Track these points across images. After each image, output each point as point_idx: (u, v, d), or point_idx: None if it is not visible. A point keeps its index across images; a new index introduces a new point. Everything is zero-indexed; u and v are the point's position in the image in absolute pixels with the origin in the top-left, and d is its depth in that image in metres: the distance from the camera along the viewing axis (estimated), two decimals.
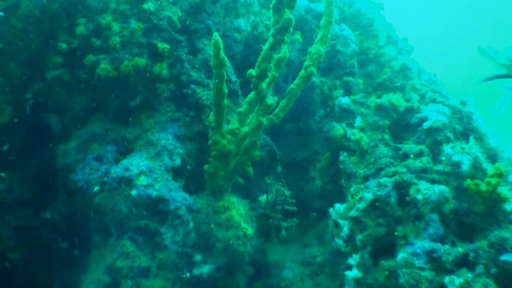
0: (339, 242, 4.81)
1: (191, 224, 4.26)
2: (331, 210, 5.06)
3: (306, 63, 4.61)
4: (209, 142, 4.38)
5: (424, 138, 5.23)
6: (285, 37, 4.10)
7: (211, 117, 4.37)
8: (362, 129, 5.50)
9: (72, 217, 4.65)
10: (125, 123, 4.84)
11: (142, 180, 4.21)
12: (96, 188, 4.33)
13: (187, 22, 5.04)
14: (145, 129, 4.71)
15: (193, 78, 4.81)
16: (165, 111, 4.75)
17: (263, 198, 4.78)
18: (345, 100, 5.74)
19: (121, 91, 4.75)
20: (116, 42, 4.62)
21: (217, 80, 4.06)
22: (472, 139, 5.10)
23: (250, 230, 4.33)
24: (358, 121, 5.58)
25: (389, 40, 6.47)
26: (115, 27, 4.68)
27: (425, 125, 5.25)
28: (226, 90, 4.15)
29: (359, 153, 5.33)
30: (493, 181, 4.17)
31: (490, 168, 4.57)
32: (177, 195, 4.27)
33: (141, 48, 4.69)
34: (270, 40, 4.16)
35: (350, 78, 5.98)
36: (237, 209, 4.38)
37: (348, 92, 5.99)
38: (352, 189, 5.07)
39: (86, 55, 4.62)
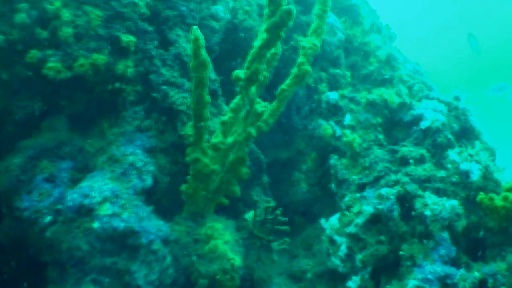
0: (336, 262, 3.88)
1: (169, 258, 3.18)
2: (323, 222, 4.16)
3: (300, 59, 3.56)
4: (188, 159, 3.28)
5: (422, 139, 4.37)
6: (282, 32, 3.08)
7: (190, 129, 3.28)
8: (352, 128, 4.58)
9: (22, 243, 3.54)
10: (83, 132, 3.63)
11: (106, 209, 3.08)
12: (48, 219, 3.13)
13: (157, 8, 3.94)
14: (108, 141, 3.53)
15: (164, 77, 3.67)
16: (132, 119, 3.57)
17: (249, 215, 3.81)
18: (333, 96, 4.74)
19: (77, 94, 3.55)
20: (68, 34, 3.39)
21: (197, 87, 2.98)
22: (478, 144, 4.28)
23: (238, 260, 3.30)
24: (348, 119, 4.64)
25: (373, 28, 5.49)
26: (66, 15, 3.44)
27: (423, 125, 4.40)
28: (208, 99, 3.08)
29: (351, 155, 4.40)
30: (511, 196, 3.45)
31: (504, 180, 3.85)
32: (150, 225, 3.17)
33: (100, 42, 3.50)
34: (264, 36, 3.06)
35: (337, 70, 4.98)
36: (223, 236, 3.38)
37: (335, 85, 5.00)
38: (346, 199, 4.16)
39: (29, 50, 3.37)
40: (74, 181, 3.36)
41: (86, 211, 3.11)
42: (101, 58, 3.45)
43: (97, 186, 3.18)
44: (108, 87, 3.57)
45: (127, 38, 3.57)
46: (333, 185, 4.47)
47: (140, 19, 3.73)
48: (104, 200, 3.12)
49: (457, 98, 4.73)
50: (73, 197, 3.14)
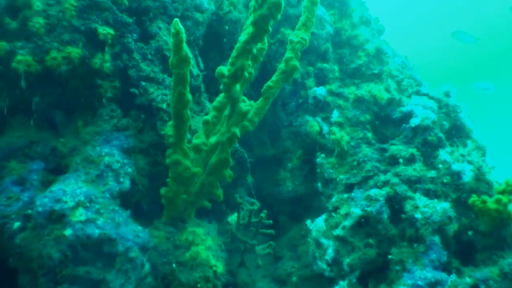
0: (323, 266, 3.64)
1: (147, 266, 2.90)
2: (309, 223, 3.91)
3: (288, 54, 3.27)
4: (167, 161, 2.99)
5: (412, 137, 4.12)
6: (269, 26, 2.79)
7: (170, 130, 2.97)
8: (340, 125, 4.31)
9: None
10: (56, 131, 3.30)
11: (80, 215, 2.77)
12: (17, 225, 2.80)
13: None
14: (83, 140, 3.18)
15: (144, 72, 3.33)
16: (109, 117, 3.23)
17: (233, 218, 3.54)
18: (320, 91, 4.46)
19: (50, 90, 3.19)
20: (40, 25, 3.05)
21: (178, 84, 2.68)
22: (470, 143, 4.04)
23: (221, 267, 3.03)
24: (335, 116, 4.37)
25: (362, 21, 5.20)
26: (37, 4, 3.09)
27: (413, 122, 4.14)
28: (190, 97, 2.78)
29: (338, 153, 4.14)
30: (504, 199, 3.23)
31: (494, 180, 3.63)
32: (127, 231, 2.87)
33: (75, 34, 3.15)
34: (250, 30, 2.75)
35: (325, 64, 4.67)
36: (204, 241, 3.10)
37: (322, 80, 4.72)
38: (333, 199, 3.90)
39: None
40: (46, 184, 3.04)
41: (57, 217, 2.80)
42: (75, 51, 3.11)
43: (70, 190, 2.88)
44: (84, 82, 3.23)
45: (104, 30, 3.23)
46: (319, 184, 4.22)
47: (118, 10, 3.39)
48: (77, 205, 2.82)
49: (447, 94, 4.48)
50: (43, 201, 2.83)
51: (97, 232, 2.80)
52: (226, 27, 4.12)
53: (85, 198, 2.87)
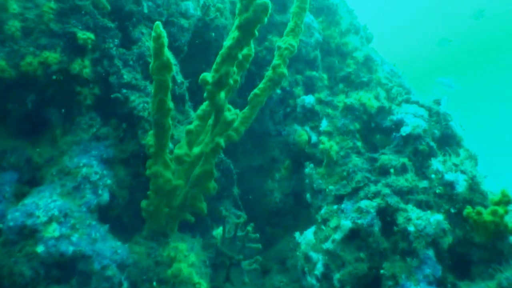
0: (312, 281, 3.41)
1: (125, 285, 2.63)
2: (298, 236, 3.69)
3: (275, 61, 3.06)
4: (148, 172, 2.75)
5: (403, 146, 3.93)
6: (256, 31, 2.58)
7: (150, 139, 2.76)
8: (329, 134, 4.10)
9: None
10: (32, 140, 3.04)
11: (53, 230, 2.54)
12: None
13: (120, 3, 3.36)
14: (60, 150, 2.95)
15: (125, 79, 3.10)
16: (87, 126, 3.00)
17: (218, 232, 3.31)
18: (309, 100, 4.25)
19: (26, 96, 2.95)
20: (16, 28, 2.82)
21: (159, 91, 2.46)
22: (463, 152, 3.85)
23: (204, 285, 2.76)
24: (324, 124, 4.16)
25: (351, 28, 5.02)
26: (14, 6, 2.87)
27: (403, 131, 3.94)
28: (171, 105, 2.55)
29: (327, 163, 3.93)
30: (501, 210, 3.02)
31: (491, 192, 3.44)
32: (104, 248, 2.63)
33: (53, 38, 2.93)
34: (235, 34, 2.54)
35: (314, 72, 4.48)
36: (187, 257, 2.86)
37: (311, 88, 4.51)
38: (323, 211, 3.69)
39: None
40: (19, 196, 2.80)
41: (29, 233, 2.57)
42: (52, 56, 2.89)
43: (43, 204, 2.64)
44: (62, 89, 3.00)
45: (85, 35, 3.01)
46: (308, 195, 4.00)
47: (100, 14, 3.17)
48: (50, 220, 2.59)
49: (437, 102, 4.31)
50: (14, 216, 2.59)
51: (71, 249, 2.56)
52: (213, 34, 3.91)
53: (59, 212, 2.63)
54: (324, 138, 3.97)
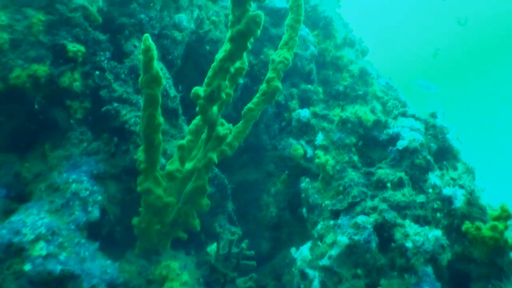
0: None
1: None
2: (293, 252, 3.59)
3: (269, 75, 2.98)
4: (139, 189, 2.65)
5: (399, 160, 3.84)
6: (248, 43, 2.50)
7: (141, 155, 2.65)
8: (325, 148, 4.01)
9: None
10: (21, 154, 2.94)
11: (40, 249, 2.43)
12: None
13: (112, 15, 3.30)
14: (49, 165, 2.85)
15: (117, 93, 3.02)
16: (78, 140, 2.90)
17: (212, 248, 3.21)
18: (304, 113, 4.17)
19: (15, 109, 2.88)
20: (4, 40, 2.74)
21: (148, 106, 2.37)
22: (460, 166, 3.77)
23: None
24: (320, 139, 4.07)
25: (346, 41, 4.97)
26: (2, 18, 2.79)
27: (400, 145, 3.85)
28: (161, 120, 2.47)
29: (323, 178, 3.83)
30: (500, 226, 2.93)
31: (490, 207, 3.36)
32: (93, 267, 2.52)
33: (42, 50, 2.85)
34: (228, 47, 2.46)
35: (309, 86, 4.40)
36: (180, 276, 2.76)
37: (306, 102, 4.44)
38: (319, 226, 3.59)
39: None
40: (7, 213, 2.68)
41: (16, 251, 2.46)
42: (41, 69, 2.80)
43: (30, 221, 2.53)
44: (51, 102, 2.91)
45: (75, 48, 2.92)
46: (304, 210, 3.90)
47: (91, 27, 3.08)
48: (38, 238, 2.47)
49: (433, 115, 4.23)
50: (1, 233, 2.48)
51: (59, 267, 2.45)
52: (207, 47, 3.84)
53: (46, 230, 2.52)
54: (320, 152, 3.88)
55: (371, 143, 4.15)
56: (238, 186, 4.18)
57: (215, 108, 2.61)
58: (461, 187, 3.39)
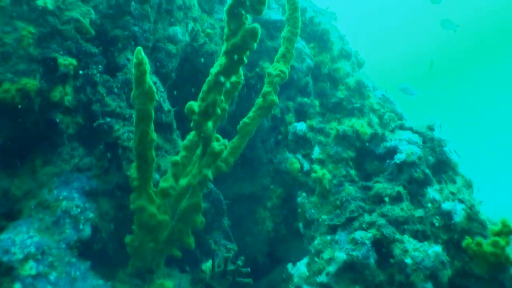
0: None
1: None
2: (290, 268, 3.50)
3: (265, 89, 2.90)
4: (132, 207, 2.54)
5: (397, 174, 3.77)
6: (244, 57, 2.43)
7: (134, 172, 2.54)
8: (321, 162, 3.93)
9: None
10: (11, 171, 2.79)
11: (30, 268, 2.32)
12: None
13: (104, 28, 3.19)
14: (39, 182, 2.72)
15: (109, 107, 2.92)
16: (69, 156, 2.79)
17: (207, 265, 3.11)
18: (300, 127, 4.10)
19: (4, 124, 2.74)
20: None
21: (141, 122, 2.28)
22: (459, 180, 3.70)
23: None
24: (316, 152, 4.00)
25: (342, 54, 4.91)
26: None
27: (398, 158, 3.78)
28: (154, 136, 2.37)
29: (320, 192, 3.75)
30: (502, 242, 2.86)
31: (490, 221, 3.29)
32: (84, 287, 2.50)
33: (32, 64, 2.73)
34: (223, 60, 2.37)
35: (306, 99, 4.32)
36: None
37: (303, 115, 4.36)
38: (316, 242, 3.50)
39: None
40: None
41: (5, 270, 2.35)
42: (31, 83, 2.68)
43: (20, 240, 2.43)
44: (42, 117, 2.79)
45: (66, 61, 2.80)
46: (300, 225, 3.81)
47: (83, 39, 2.97)
48: (27, 257, 2.37)
49: (431, 128, 4.16)
50: None
51: None
52: (202, 59, 3.75)
53: (36, 249, 2.42)
54: (316, 167, 3.80)
55: (368, 156, 4.08)
56: (233, 200, 4.09)
57: (210, 124, 2.52)
58: (461, 201, 3.31)
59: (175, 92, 3.61)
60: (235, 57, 2.31)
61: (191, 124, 2.52)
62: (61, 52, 2.87)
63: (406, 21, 39.68)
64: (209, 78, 2.44)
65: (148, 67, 2.21)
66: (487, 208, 3.56)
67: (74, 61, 2.89)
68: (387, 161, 3.90)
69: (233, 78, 2.67)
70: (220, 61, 2.39)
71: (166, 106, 3.22)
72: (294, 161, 3.95)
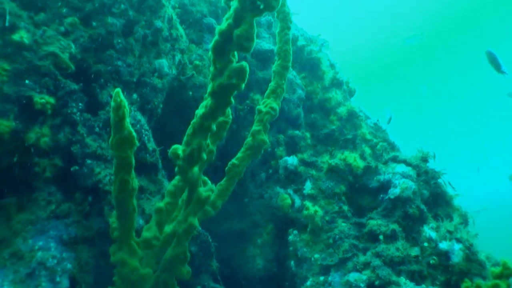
0: None
1: None
2: None
3: (255, 127, 2.72)
4: (112, 259, 2.31)
5: (391, 210, 3.58)
6: (231, 98, 2.26)
7: (114, 221, 2.32)
8: (313, 198, 3.74)
9: None
10: None
11: None
12: None
13: (86, 62, 2.96)
14: (13, 230, 2.45)
15: (90, 149, 2.68)
16: (45, 202, 2.53)
17: None
18: (291, 161, 3.91)
19: None
20: None
21: (120, 170, 2.07)
22: (456, 217, 3.53)
23: None
24: (308, 187, 3.81)
25: (334, 83, 4.74)
26: None
27: (392, 193, 3.61)
28: (135, 184, 2.15)
29: (312, 230, 3.55)
30: (503, 285, 2.63)
31: (489, 261, 3.11)
32: None
33: (6, 104, 2.50)
34: (209, 102, 2.16)
35: (297, 131, 4.14)
36: None
37: (294, 148, 4.17)
38: (308, 283, 3.29)
39: None
40: None
41: None
42: (5, 125, 2.46)
43: None
44: (17, 160, 2.55)
45: (43, 99, 2.58)
46: (292, 263, 3.60)
47: (62, 75, 2.74)
48: None
49: (424, 160, 3.99)
50: None
51: None
52: (190, 92, 3.56)
53: None
54: (308, 203, 3.60)
55: (361, 191, 3.89)
56: (224, 237, 3.88)
57: (195, 169, 2.31)
58: (459, 241, 3.13)
59: (161, 127, 3.41)
60: (222, 98, 2.11)
61: (176, 169, 2.31)
62: (38, 90, 2.63)
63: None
64: (194, 120, 2.23)
65: (127, 110, 2.00)
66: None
67: (52, 100, 2.66)
68: (381, 195, 3.72)
69: (221, 118, 2.48)
70: (206, 103, 2.18)
71: (151, 145, 2.99)
72: (285, 197, 3.75)
